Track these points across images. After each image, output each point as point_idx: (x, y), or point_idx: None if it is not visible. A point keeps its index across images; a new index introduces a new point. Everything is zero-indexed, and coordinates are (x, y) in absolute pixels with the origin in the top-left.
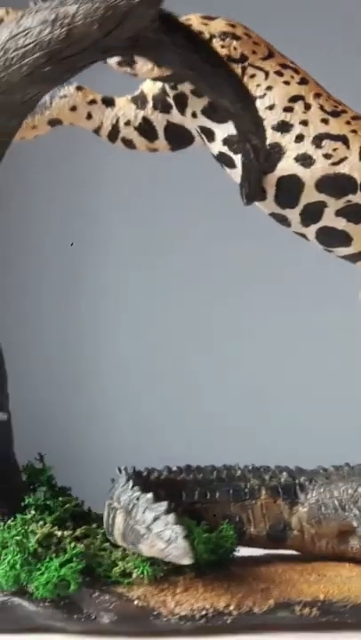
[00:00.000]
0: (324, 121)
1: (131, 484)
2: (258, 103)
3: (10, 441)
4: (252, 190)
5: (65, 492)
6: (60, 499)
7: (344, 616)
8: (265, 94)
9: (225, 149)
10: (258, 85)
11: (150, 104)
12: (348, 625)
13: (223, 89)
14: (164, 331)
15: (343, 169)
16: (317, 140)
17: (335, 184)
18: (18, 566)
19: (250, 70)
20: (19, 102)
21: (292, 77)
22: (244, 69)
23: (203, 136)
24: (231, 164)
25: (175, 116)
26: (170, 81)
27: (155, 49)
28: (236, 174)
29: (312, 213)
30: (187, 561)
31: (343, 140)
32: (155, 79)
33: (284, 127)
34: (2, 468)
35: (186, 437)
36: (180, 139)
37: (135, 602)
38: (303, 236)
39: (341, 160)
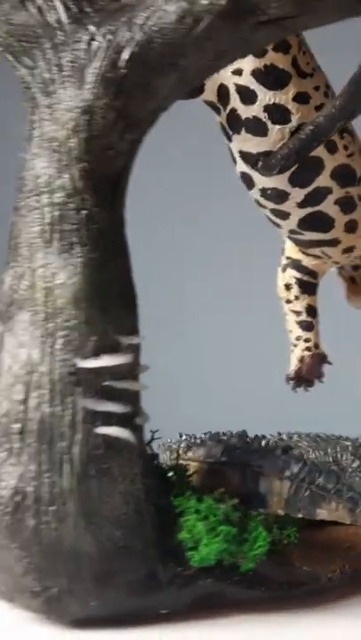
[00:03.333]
0: None
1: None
2: (307, 81)
3: None
4: (291, 164)
5: None
6: None
7: None
8: (313, 74)
9: (263, 115)
10: (307, 63)
11: None
12: None
13: None
14: None
15: (352, 162)
16: (340, 131)
17: (344, 174)
18: (230, 538)
19: (303, 46)
20: None
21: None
22: (300, 43)
23: (236, 95)
24: (262, 133)
25: None
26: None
27: None
28: (262, 142)
29: (317, 197)
30: None
31: (352, 135)
32: None
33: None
34: None
35: None
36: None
37: (304, 568)
38: (284, 214)
39: (352, 154)
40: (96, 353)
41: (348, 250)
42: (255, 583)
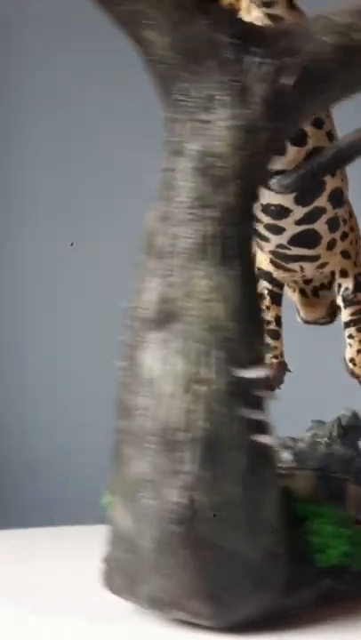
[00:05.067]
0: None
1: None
2: None
3: None
4: (306, 184)
5: None
6: None
7: None
8: None
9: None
10: None
11: None
12: None
13: None
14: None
15: (343, 185)
16: None
17: (337, 196)
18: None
19: None
20: None
21: None
22: None
23: None
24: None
25: None
26: None
27: None
28: (278, 162)
29: (314, 215)
30: None
31: None
32: None
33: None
34: None
35: None
36: None
37: None
38: (279, 230)
39: (343, 178)
40: (251, 364)
41: (322, 266)
42: (359, 581)
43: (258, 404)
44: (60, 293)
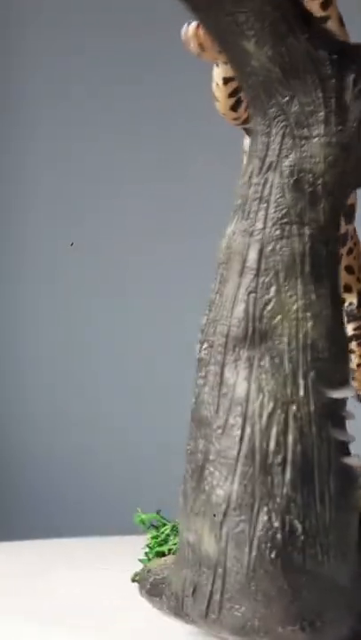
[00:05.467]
0: None
1: None
2: None
3: None
4: None
5: None
6: None
7: None
8: None
9: None
10: None
11: None
12: None
13: None
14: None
15: (355, 202)
16: None
17: (350, 213)
18: None
19: None
20: None
21: None
22: None
23: None
24: None
25: None
26: None
27: None
28: None
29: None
30: None
31: None
32: None
33: None
34: None
35: None
36: None
37: None
38: None
39: (356, 194)
40: (341, 384)
41: None
42: None
43: (343, 424)
44: (60, 293)
